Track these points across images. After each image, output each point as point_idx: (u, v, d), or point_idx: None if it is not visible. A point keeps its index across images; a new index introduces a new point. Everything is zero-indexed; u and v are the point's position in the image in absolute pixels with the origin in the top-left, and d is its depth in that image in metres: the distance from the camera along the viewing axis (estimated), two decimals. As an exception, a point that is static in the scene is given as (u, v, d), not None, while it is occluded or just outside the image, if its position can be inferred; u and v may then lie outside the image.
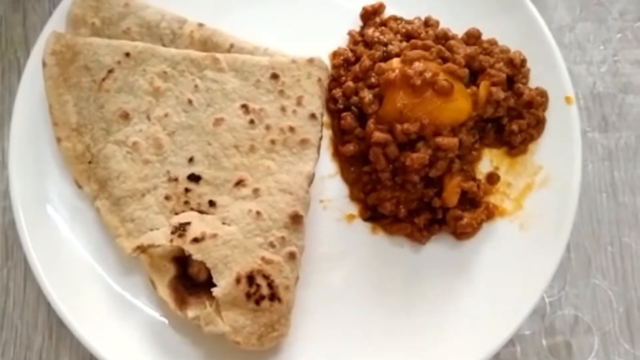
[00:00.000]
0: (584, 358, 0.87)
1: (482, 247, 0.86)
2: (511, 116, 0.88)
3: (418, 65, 0.82)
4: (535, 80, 0.90)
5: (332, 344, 0.82)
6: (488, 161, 0.90)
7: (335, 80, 0.91)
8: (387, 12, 0.95)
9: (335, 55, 0.92)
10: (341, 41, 0.95)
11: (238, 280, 0.77)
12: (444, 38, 0.90)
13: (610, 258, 0.92)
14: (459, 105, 0.82)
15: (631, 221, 0.93)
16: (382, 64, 0.84)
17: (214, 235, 0.78)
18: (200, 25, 0.91)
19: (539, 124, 0.88)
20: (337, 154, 0.90)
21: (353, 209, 0.88)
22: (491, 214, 0.86)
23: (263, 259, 0.78)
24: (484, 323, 0.82)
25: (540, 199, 0.86)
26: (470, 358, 0.80)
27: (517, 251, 0.85)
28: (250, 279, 0.77)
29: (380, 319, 0.83)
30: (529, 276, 0.83)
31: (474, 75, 0.88)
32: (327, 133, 0.91)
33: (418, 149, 0.81)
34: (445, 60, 0.86)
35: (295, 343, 0.81)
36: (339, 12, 0.96)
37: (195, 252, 0.77)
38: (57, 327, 0.87)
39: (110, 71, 0.86)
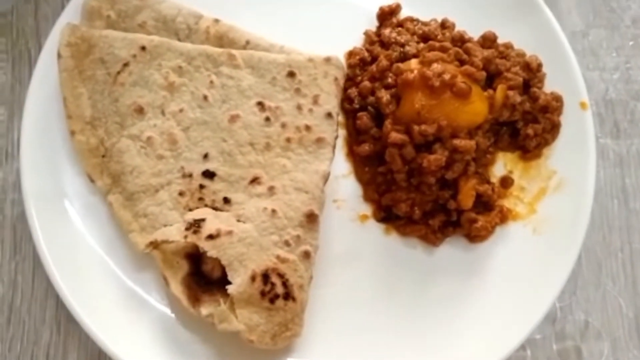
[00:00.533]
0: None
1: (495, 251, 0.86)
2: (526, 120, 0.88)
3: (437, 67, 0.82)
4: (550, 85, 0.91)
5: (343, 345, 0.81)
6: (502, 165, 0.90)
7: (350, 80, 0.91)
8: (404, 13, 0.95)
9: (351, 54, 0.92)
10: (357, 41, 0.94)
11: (253, 278, 0.76)
12: (460, 40, 0.90)
13: (620, 264, 0.92)
14: (476, 107, 0.82)
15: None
16: (400, 65, 0.84)
17: (229, 232, 0.78)
18: (217, 21, 0.91)
19: (554, 129, 0.88)
20: (352, 154, 0.89)
21: (366, 209, 0.88)
22: (505, 217, 0.86)
23: (278, 257, 0.78)
24: (496, 327, 0.82)
25: (554, 203, 0.87)
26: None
27: (530, 255, 0.85)
28: (265, 277, 0.77)
29: (392, 320, 0.83)
30: (542, 281, 0.83)
31: (490, 78, 0.88)
32: (342, 132, 0.90)
33: (435, 151, 0.81)
34: (462, 62, 0.86)
35: (307, 343, 0.80)
36: (355, 11, 0.95)
37: (211, 249, 0.77)
38: (66, 323, 0.86)
39: (126, 64, 0.86)
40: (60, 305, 0.85)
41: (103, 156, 0.85)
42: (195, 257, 0.80)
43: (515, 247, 0.86)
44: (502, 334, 0.81)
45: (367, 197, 0.88)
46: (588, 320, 0.89)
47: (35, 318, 0.86)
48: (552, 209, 0.86)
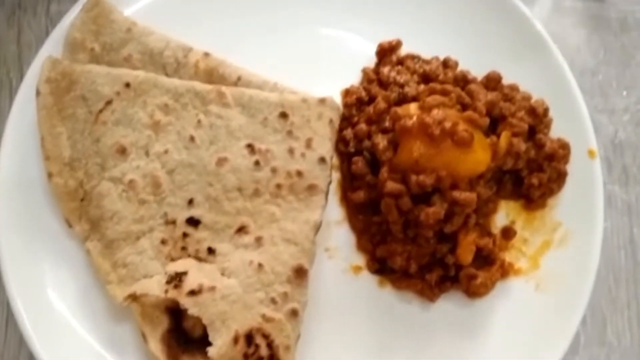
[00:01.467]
0: None
1: (495, 307, 0.81)
2: (531, 168, 0.84)
3: (437, 113, 0.77)
4: (557, 129, 0.86)
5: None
6: (504, 214, 0.85)
7: (346, 120, 0.86)
8: (404, 49, 0.90)
9: (347, 93, 0.87)
10: (354, 78, 0.90)
11: (236, 340, 0.71)
12: (463, 81, 0.86)
13: (627, 320, 0.87)
14: (478, 156, 0.78)
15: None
16: (399, 109, 0.79)
17: (212, 288, 0.73)
18: (207, 54, 0.86)
19: (560, 178, 0.84)
20: (345, 199, 0.85)
21: (360, 259, 0.83)
22: (506, 272, 0.82)
23: (263, 316, 0.73)
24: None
25: (559, 258, 0.82)
26: None
27: (532, 313, 0.80)
28: (249, 338, 0.72)
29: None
30: (544, 342, 0.78)
31: (494, 122, 0.83)
32: (335, 176, 0.86)
33: (433, 203, 0.76)
34: (464, 106, 0.81)
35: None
36: (353, 47, 0.91)
37: (192, 307, 0.72)
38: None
39: (109, 102, 0.81)
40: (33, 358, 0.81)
41: (82, 200, 0.80)
42: (176, 312, 0.75)
43: (516, 305, 0.81)
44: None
45: (360, 247, 0.83)
46: (591, 383, 0.85)
47: (8, 369, 0.82)
48: (556, 265, 0.82)
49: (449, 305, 0.81)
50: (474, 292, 0.80)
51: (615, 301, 0.88)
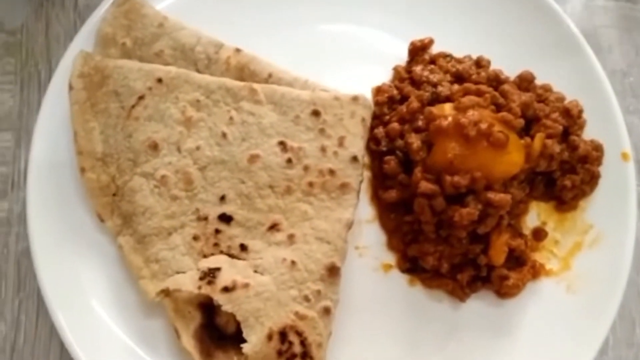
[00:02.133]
0: None
1: (525, 308, 0.81)
2: (564, 170, 0.83)
3: (473, 114, 0.76)
4: (590, 131, 0.85)
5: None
6: (535, 214, 0.85)
7: (377, 119, 0.86)
8: (436, 48, 0.89)
9: (379, 91, 0.87)
10: (385, 76, 0.89)
11: (270, 337, 0.71)
12: (495, 80, 0.85)
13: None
14: (513, 158, 0.77)
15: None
16: (433, 109, 0.79)
17: (246, 285, 0.73)
18: (238, 50, 0.85)
19: (593, 180, 0.83)
20: (376, 198, 0.85)
21: (390, 258, 0.83)
22: (537, 273, 0.81)
23: (297, 314, 0.73)
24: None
25: (590, 260, 0.82)
26: None
27: (563, 315, 0.80)
28: (283, 335, 0.72)
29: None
30: (575, 344, 0.78)
31: (528, 123, 0.83)
32: (366, 175, 0.85)
33: (467, 204, 0.76)
34: (498, 107, 0.81)
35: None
36: (384, 45, 0.90)
37: (226, 303, 0.72)
38: (70, 364, 0.82)
39: (141, 97, 0.81)
40: (65, 348, 0.81)
41: (114, 195, 0.80)
42: (208, 308, 0.76)
43: (547, 306, 0.81)
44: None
45: (391, 246, 0.83)
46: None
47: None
48: (587, 266, 0.81)
49: (480, 305, 0.81)
50: (505, 292, 0.80)
51: (645, 307, 0.87)
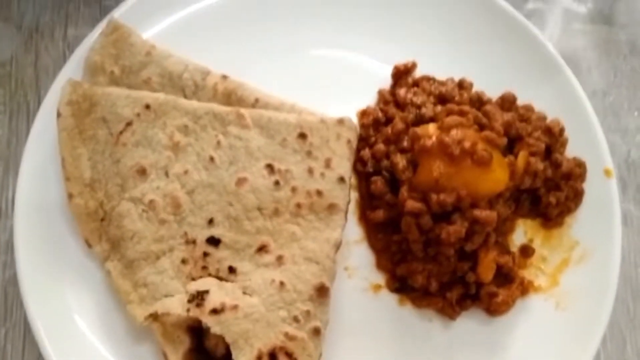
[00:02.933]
0: None
1: (515, 325, 0.81)
2: (548, 187, 0.84)
3: (456, 133, 0.78)
4: (572, 149, 0.87)
5: None
6: (522, 232, 0.86)
7: (363, 141, 0.87)
8: (419, 71, 0.91)
9: (364, 114, 0.88)
10: (370, 99, 0.91)
11: (259, 358, 0.71)
12: (478, 102, 0.87)
13: (647, 342, 0.87)
14: (497, 175, 0.78)
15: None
16: (417, 129, 0.80)
17: (235, 307, 0.73)
18: (225, 77, 0.87)
19: (577, 197, 0.84)
20: (364, 219, 0.85)
21: (380, 278, 0.83)
22: (526, 290, 0.82)
23: (286, 335, 0.73)
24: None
25: (578, 276, 0.82)
26: None
27: (552, 331, 0.80)
28: (272, 356, 0.71)
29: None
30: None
31: (511, 142, 0.84)
32: (354, 196, 0.86)
33: (454, 221, 0.77)
34: (481, 126, 0.82)
35: None
36: (368, 69, 0.92)
37: (214, 325, 0.72)
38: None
39: (129, 124, 0.82)
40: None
41: (102, 220, 0.80)
42: (197, 331, 0.75)
43: (536, 322, 0.81)
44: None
45: (380, 266, 0.83)
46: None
47: (25, 392, 0.81)
48: (575, 282, 0.82)
49: (470, 323, 0.81)
50: (494, 309, 0.80)
51: (634, 319, 0.88)
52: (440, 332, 0.81)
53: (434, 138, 0.78)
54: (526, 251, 0.84)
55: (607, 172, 0.85)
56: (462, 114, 0.82)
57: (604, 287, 0.81)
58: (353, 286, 0.83)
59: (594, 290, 0.81)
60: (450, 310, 0.80)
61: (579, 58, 0.99)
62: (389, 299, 0.82)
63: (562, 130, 0.86)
